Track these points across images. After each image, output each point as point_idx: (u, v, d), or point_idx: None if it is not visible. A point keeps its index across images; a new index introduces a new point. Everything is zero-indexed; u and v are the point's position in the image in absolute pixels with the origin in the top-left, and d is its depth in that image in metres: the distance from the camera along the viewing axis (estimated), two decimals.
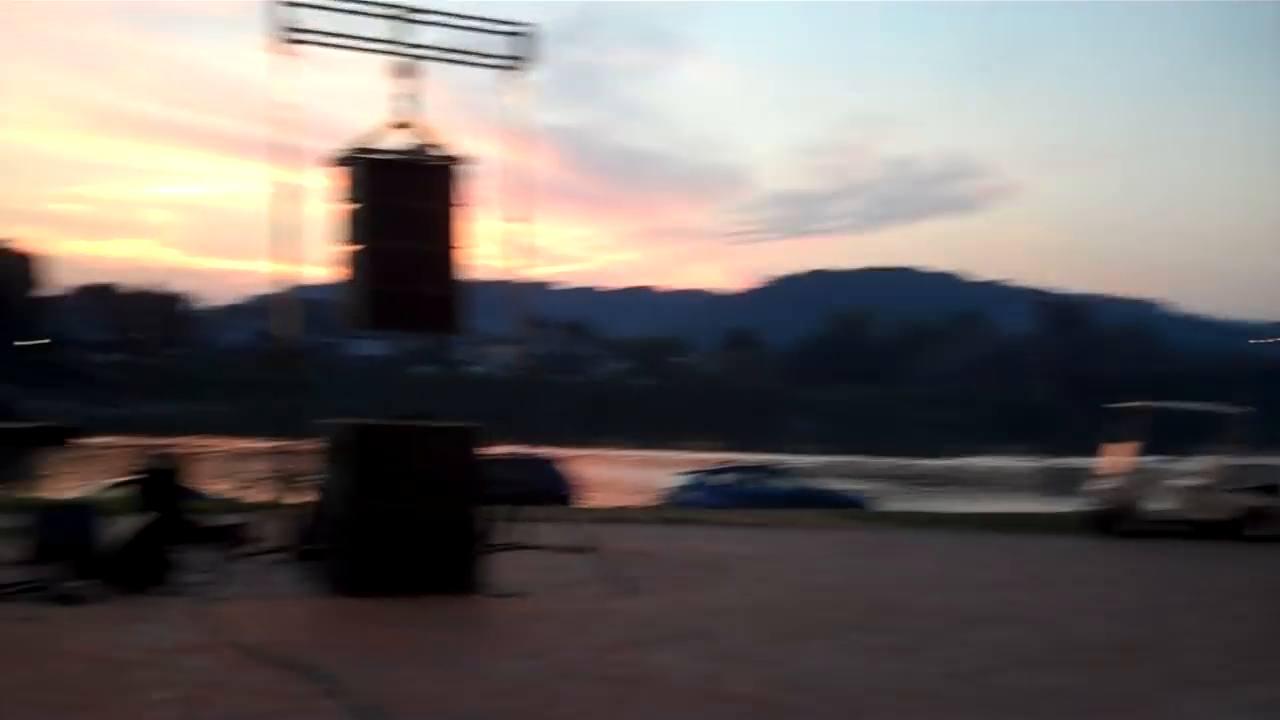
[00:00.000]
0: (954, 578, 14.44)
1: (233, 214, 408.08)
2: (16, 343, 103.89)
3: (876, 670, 8.39)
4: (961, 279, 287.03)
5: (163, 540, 11.05)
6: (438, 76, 12.27)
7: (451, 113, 12.15)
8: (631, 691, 7.38)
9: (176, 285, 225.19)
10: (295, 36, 11.71)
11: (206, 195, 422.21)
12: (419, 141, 11.94)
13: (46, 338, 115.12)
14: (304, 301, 12.51)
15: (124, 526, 11.07)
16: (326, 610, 10.23)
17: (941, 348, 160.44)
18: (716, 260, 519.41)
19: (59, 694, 6.88)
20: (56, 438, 10.89)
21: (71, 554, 10.69)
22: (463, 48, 12.45)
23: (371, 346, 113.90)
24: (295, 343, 11.93)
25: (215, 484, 22.53)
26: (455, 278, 11.84)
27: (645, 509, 27.29)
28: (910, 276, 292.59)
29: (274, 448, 12.66)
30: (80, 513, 12.51)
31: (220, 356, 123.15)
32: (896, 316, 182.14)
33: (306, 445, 12.13)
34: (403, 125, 11.97)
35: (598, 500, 30.31)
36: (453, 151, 11.95)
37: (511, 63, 12.68)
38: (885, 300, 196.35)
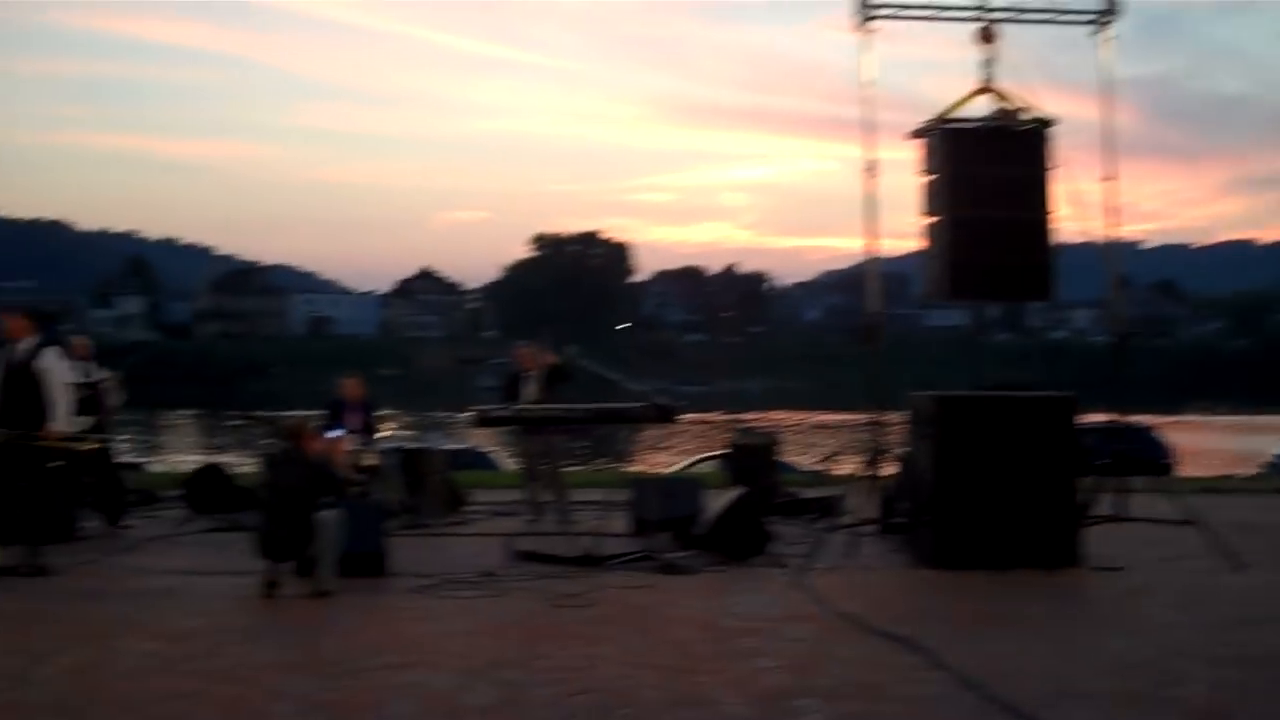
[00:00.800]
0: None
1: (805, 192, 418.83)
2: (618, 326, 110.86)
3: None
4: None
5: (758, 512, 11.43)
6: (1010, 38, 11.95)
7: (1026, 74, 11.76)
8: (1252, 675, 6.88)
9: (752, 265, 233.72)
10: (876, 13, 11.75)
11: (779, 175, 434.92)
12: (1001, 107, 11.69)
13: (636, 321, 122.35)
14: (884, 274, 12.56)
15: (720, 499, 11.53)
16: (919, 582, 10.22)
17: None
18: None
19: (673, 658, 7.25)
20: (665, 416, 11.47)
21: (671, 526, 11.24)
22: (1045, 6, 12.06)
23: (949, 316, 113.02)
24: (878, 316, 11.98)
25: (800, 457, 23.13)
26: (1045, 243, 11.50)
27: (1249, 479, 25.53)
28: None
29: (858, 420, 12.77)
30: (678, 486, 13.17)
31: (798, 332, 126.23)
32: None
33: (891, 417, 12.17)
34: (984, 91, 11.76)
35: (1194, 470, 28.65)
36: (1036, 114, 11.61)
37: (1095, 17, 12.16)
38: None
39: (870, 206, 11.89)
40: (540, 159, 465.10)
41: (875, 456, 11.77)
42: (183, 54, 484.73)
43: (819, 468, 18.40)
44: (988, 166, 11.43)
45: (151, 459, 24.33)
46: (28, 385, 10.52)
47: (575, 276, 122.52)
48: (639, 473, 13.06)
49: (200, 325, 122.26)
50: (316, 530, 9.28)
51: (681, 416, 12.48)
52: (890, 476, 12.20)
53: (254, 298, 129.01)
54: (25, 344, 10.70)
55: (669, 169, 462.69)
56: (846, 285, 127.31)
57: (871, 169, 11.80)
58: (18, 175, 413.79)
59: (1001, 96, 11.74)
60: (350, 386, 14.15)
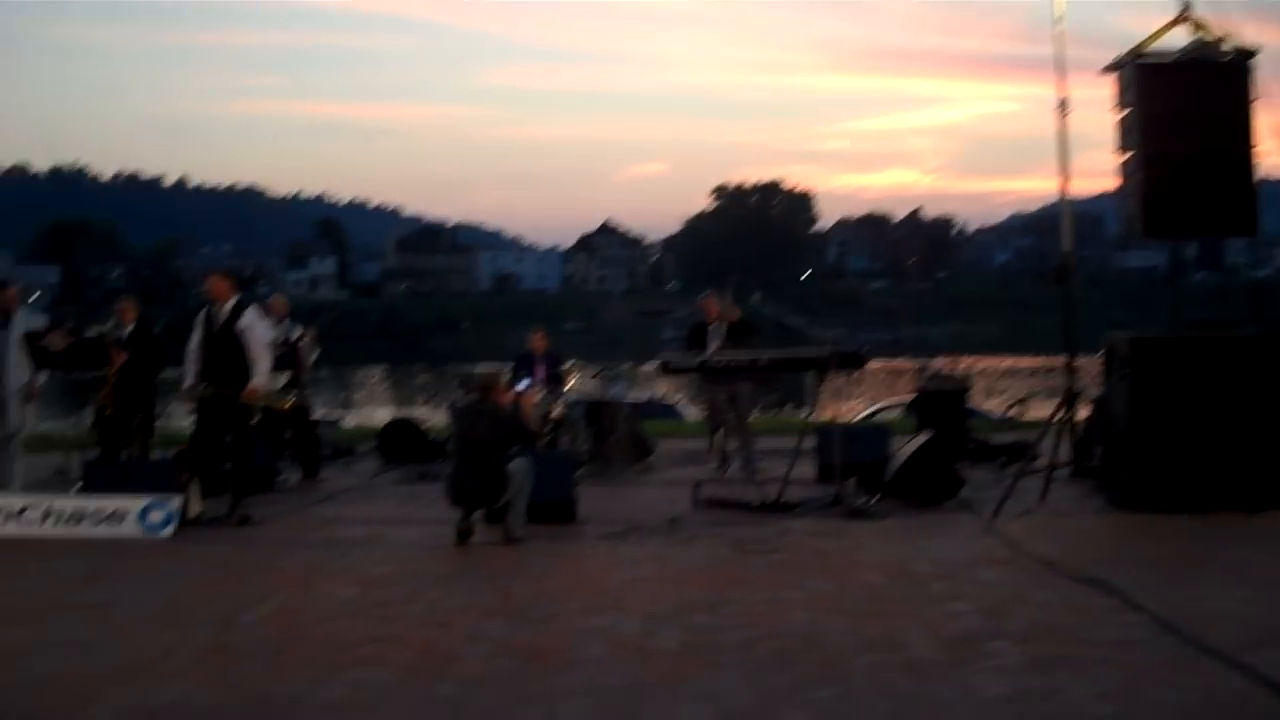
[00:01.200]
0: None
1: (991, 135, 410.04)
2: (801, 276, 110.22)
3: None
4: None
5: (947, 457, 11.26)
6: None
7: (1225, 3, 11.24)
8: None
9: (938, 210, 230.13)
10: None
11: (965, 118, 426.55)
12: (1198, 37, 11.22)
13: (819, 270, 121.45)
14: (1076, 215, 12.21)
15: (908, 444, 11.40)
16: (1115, 526, 9.95)
17: None
18: None
19: (862, 603, 7.20)
20: (851, 362, 11.36)
21: (858, 471, 11.15)
22: None
23: (1144, 257, 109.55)
24: (1072, 255, 11.66)
25: (990, 402, 22.76)
26: (1247, 177, 11.04)
27: None
28: None
29: (1049, 365, 12.46)
30: (865, 432, 13.08)
31: (986, 277, 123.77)
32: None
33: (1083, 361, 11.87)
34: (1181, 22, 11.29)
35: None
36: (1236, 44, 11.12)
37: None
38: None
39: (1063, 145, 11.58)
40: (721, 110, 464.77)
41: (1069, 399, 11.47)
42: (363, 20, 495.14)
43: (1009, 412, 18.09)
44: (1185, 100, 10.99)
45: (344, 414, 25.03)
46: (230, 344, 10.88)
47: (757, 226, 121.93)
48: (825, 420, 12.94)
49: (389, 284, 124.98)
50: (507, 479, 9.44)
51: (867, 363, 12.36)
52: (1084, 420, 11.92)
53: (440, 256, 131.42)
54: (227, 304, 11.05)
55: (851, 116, 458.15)
56: (1035, 228, 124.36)
57: (1064, 107, 11.47)
58: (214, 144, 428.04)
59: (1199, 26, 11.26)
60: (537, 339, 14.32)
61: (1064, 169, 11.65)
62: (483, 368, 10.98)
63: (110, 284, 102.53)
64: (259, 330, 11.13)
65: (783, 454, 13.09)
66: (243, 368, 10.84)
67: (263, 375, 11.00)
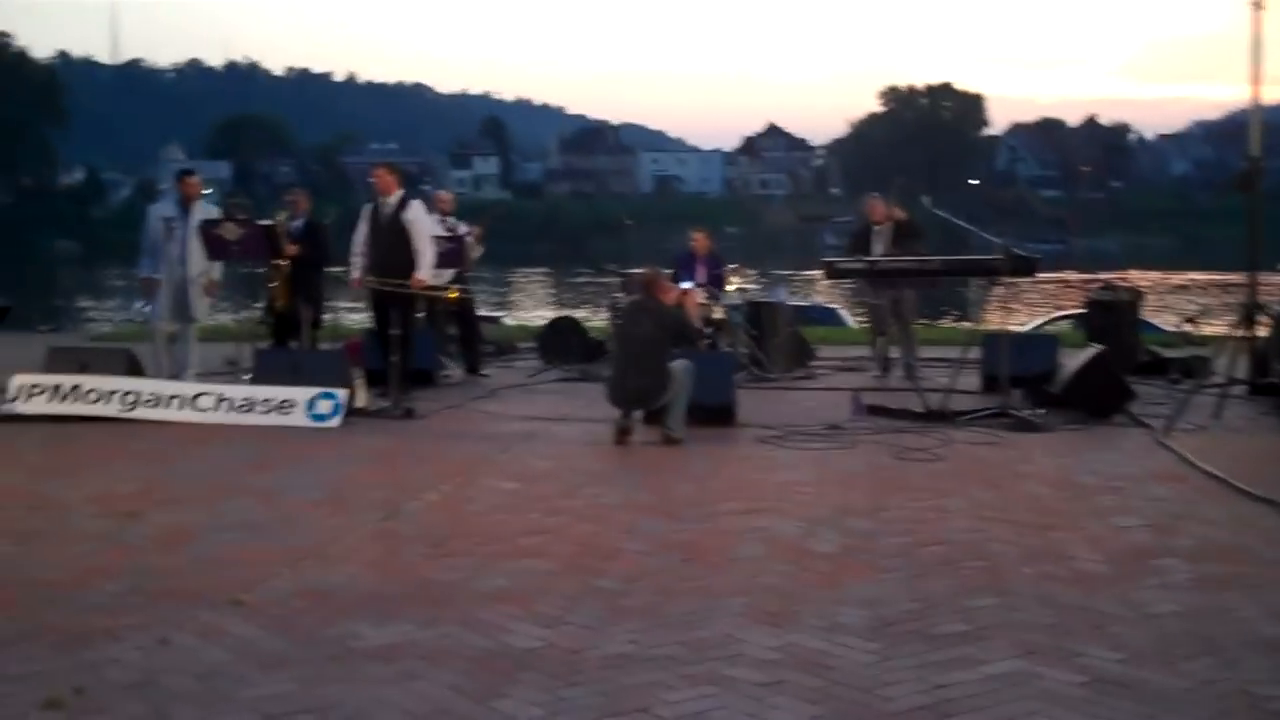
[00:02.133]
0: None
1: (1174, 37, 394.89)
2: (969, 181, 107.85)
3: None
4: None
5: (1117, 371, 10.96)
6: None
7: None
8: None
9: (1114, 116, 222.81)
10: None
11: (1146, 19, 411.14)
12: None
13: (988, 176, 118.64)
14: (1264, 123, 11.66)
15: (1077, 357, 11.11)
16: None
17: None
18: None
19: (1026, 513, 7.06)
20: (1024, 268, 11.03)
21: (1025, 383, 10.91)
22: None
23: None
24: (1258, 162, 11.15)
25: (1163, 317, 22.10)
26: None
27: None
28: None
29: (1226, 280, 12.02)
30: (1033, 342, 12.77)
31: (1164, 187, 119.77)
32: None
33: (1263, 276, 11.40)
34: None
35: None
36: None
37: None
38: None
39: (1256, 45, 11.03)
40: (892, 7, 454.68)
41: (1249, 314, 11.04)
42: None
43: (1184, 328, 17.54)
44: None
45: (505, 313, 25.29)
46: (396, 237, 11.01)
47: (925, 130, 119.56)
48: (987, 330, 12.67)
49: (551, 185, 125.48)
50: (667, 379, 9.43)
51: (1038, 270, 12.03)
52: (1264, 337, 11.47)
53: (603, 157, 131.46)
54: (393, 198, 11.18)
55: (1028, 18, 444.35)
56: (1218, 137, 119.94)
57: (1259, 4, 10.91)
58: (384, 40, 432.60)
59: None
60: (699, 240, 14.23)
61: (1256, 73, 11.12)
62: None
63: (280, 179, 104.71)
64: (424, 223, 11.25)
65: (946, 363, 12.90)
66: (408, 260, 10.98)
67: (427, 267, 11.13)
